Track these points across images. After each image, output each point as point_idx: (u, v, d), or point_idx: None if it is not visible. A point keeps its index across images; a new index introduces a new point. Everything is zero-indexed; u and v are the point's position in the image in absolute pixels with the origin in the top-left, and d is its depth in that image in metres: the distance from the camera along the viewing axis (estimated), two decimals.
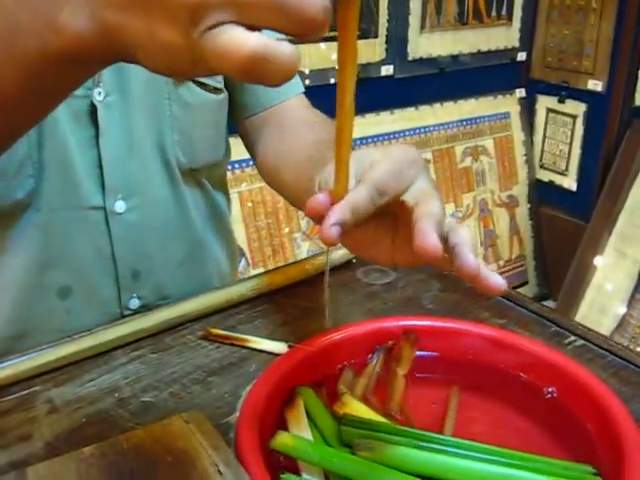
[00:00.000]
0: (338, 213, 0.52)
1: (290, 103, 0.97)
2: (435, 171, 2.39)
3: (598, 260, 2.31)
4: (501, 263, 2.50)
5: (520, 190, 2.61)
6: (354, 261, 0.92)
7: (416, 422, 0.70)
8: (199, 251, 0.97)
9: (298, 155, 0.84)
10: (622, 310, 2.26)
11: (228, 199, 1.06)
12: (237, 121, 1.00)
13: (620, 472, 0.60)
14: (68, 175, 0.80)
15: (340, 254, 0.93)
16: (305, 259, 0.91)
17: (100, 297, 0.88)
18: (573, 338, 0.79)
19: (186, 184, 0.91)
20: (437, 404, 0.73)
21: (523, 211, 2.60)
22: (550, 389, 0.73)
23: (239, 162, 2.08)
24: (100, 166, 0.81)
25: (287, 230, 2.17)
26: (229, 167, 2.07)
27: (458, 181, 2.45)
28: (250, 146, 1.01)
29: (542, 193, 2.66)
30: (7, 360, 0.74)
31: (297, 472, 0.64)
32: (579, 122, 2.48)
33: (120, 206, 0.84)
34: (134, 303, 0.90)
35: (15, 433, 0.66)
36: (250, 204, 2.10)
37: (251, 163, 2.10)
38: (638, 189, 2.38)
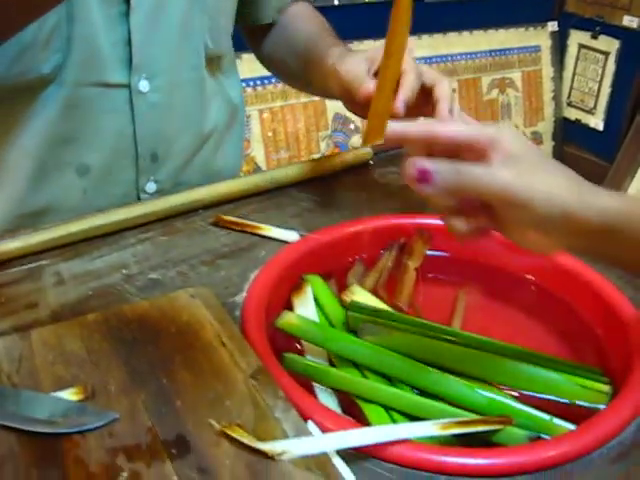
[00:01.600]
0: (403, 93, 0.72)
1: (296, 7, 1.01)
2: (460, 101, 2.35)
3: None
4: None
5: (545, 127, 2.56)
6: (372, 162, 0.91)
7: (424, 317, 0.69)
8: (215, 143, 0.97)
9: (303, 44, 0.93)
10: None
11: (242, 103, 1.05)
12: (244, 24, 1.02)
13: (627, 375, 0.60)
14: (95, 51, 0.78)
15: (356, 153, 0.91)
16: (321, 157, 0.89)
17: (118, 178, 0.87)
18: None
19: (208, 71, 0.90)
20: (446, 303, 0.73)
21: (547, 149, 2.55)
22: (560, 293, 0.72)
23: (261, 79, 2.05)
24: (128, 43, 0.80)
25: (306, 151, 2.15)
26: (250, 84, 2.04)
27: (482, 113, 2.40)
28: (254, 43, 1.05)
29: (567, 131, 2.61)
30: (18, 234, 0.73)
31: (301, 354, 0.64)
32: (611, 59, 2.41)
33: (144, 85, 0.83)
34: (151, 187, 0.89)
35: (22, 301, 0.66)
36: (270, 123, 2.08)
37: (273, 81, 2.07)
38: None
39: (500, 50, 2.43)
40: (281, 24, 1.01)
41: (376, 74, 0.74)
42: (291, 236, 0.75)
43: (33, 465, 0.47)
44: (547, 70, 2.53)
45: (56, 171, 0.83)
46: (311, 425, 0.51)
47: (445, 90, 0.76)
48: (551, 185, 0.49)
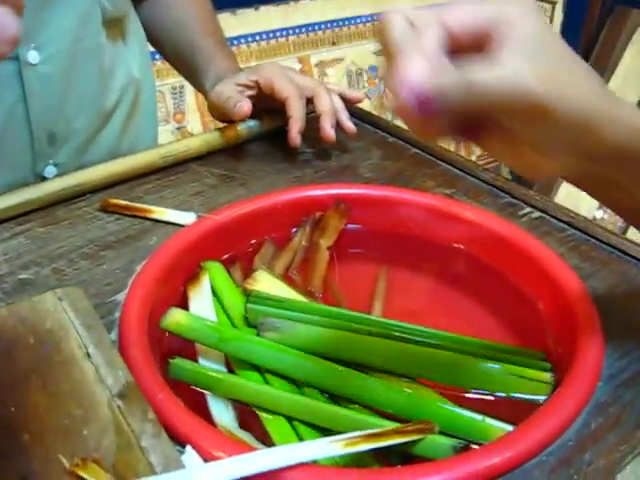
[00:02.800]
0: (294, 126, 0.75)
1: None
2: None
3: None
4: (474, 158, 2.39)
5: None
6: (286, 128, 0.81)
7: (343, 303, 0.60)
8: (121, 122, 0.86)
9: (181, 38, 0.91)
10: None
11: (149, 77, 0.94)
12: None
13: (571, 355, 0.51)
14: None
15: (268, 122, 0.81)
16: (228, 126, 0.79)
17: (12, 163, 0.76)
18: (529, 210, 0.68)
19: (107, 38, 0.80)
20: (368, 283, 0.63)
21: None
22: (495, 264, 0.63)
23: None
24: None
25: None
26: None
27: None
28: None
29: None
30: None
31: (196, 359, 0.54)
32: (558, 9, 2.32)
33: (34, 56, 0.72)
34: (50, 171, 0.79)
35: None
36: None
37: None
38: (617, 80, 2.26)
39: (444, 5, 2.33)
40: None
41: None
42: (187, 218, 0.65)
43: None
44: None
45: None
46: (189, 453, 0.42)
47: (325, 103, 0.77)
48: (578, 88, 0.37)
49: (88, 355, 0.48)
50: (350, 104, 0.82)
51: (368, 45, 2.19)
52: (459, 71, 0.36)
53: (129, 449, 0.42)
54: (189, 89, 1.96)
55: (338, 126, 0.77)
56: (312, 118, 0.77)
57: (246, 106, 0.74)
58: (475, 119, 0.39)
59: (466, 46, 0.38)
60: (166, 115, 1.94)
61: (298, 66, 2.09)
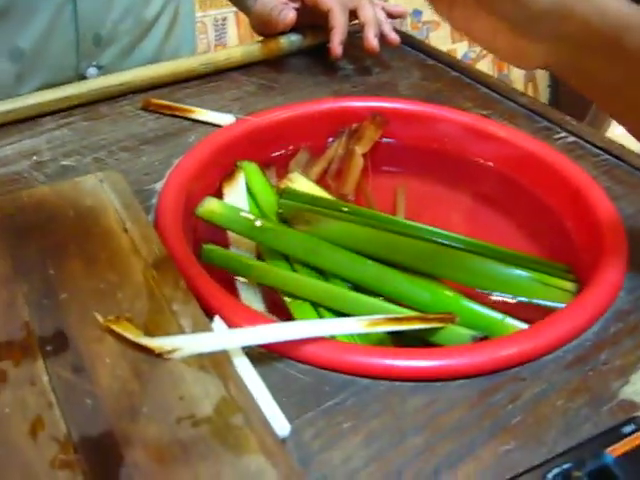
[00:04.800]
0: (337, 36, 0.75)
1: None
2: None
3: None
4: None
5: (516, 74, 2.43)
6: (328, 44, 0.81)
7: (375, 208, 0.61)
8: (161, 34, 0.87)
9: None
10: None
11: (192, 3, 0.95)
12: None
13: (596, 268, 0.52)
14: None
15: (311, 37, 0.81)
16: (269, 38, 0.79)
17: (56, 63, 0.77)
18: (564, 134, 0.68)
19: None
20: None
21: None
22: (526, 182, 0.64)
23: None
24: None
25: None
26: None
27: None
28: None
29: None
30: None
31: (227, 248, 0.56)
32: None
33: None
34: (92, 72, 0.80)
35: None
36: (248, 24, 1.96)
37: None
38: None
39: None
40: None
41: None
42: (226, 119, 0.67)
43: None
44: None
45: None
46: (217, 322, 0.44)
47: (368, 14, 0.77)
48: None
49: (125, 230, 0.50)
50: (393, 18, 0.82)
51: None
52: None
53: (160, 312, 0.43)
54: (231, 21, 1.96)
55: (381, 38, 0.77)
56: (353, 34, 0.77)
57: (291, 13, 0.75)
58: None
59: None
60: (207, 46, 1.94)
61: None
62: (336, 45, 0.74)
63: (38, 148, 0.64)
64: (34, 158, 0.63)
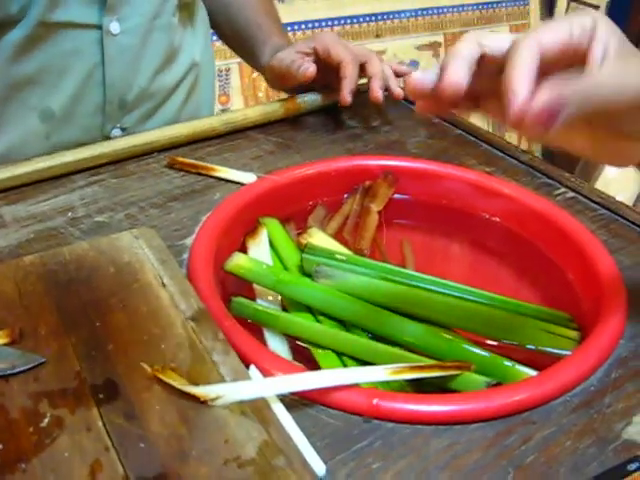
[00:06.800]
0: (348, 85, 0.80)
1: None
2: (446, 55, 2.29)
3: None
4: None
5: None
6: (340, 105, 0.86)
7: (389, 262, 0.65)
8: (182, 97, 0.92)
9: (241, 16, 0.96)
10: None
11: (209, 62, 1.00)
12: None
13: (596, 319, 0.56)
14: None
15: (325, 96, 0.86)
16: (286, 98, 0.84)
17: (84, 123, 0.83)
18: (563, 190, 0.73)
19: (179, 19, 0.86)
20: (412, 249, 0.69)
21: None
22: (529, 236, 0.68)
23: None
24: None
25: None
26: None
27: None
28: None
29: None
30: None
31: (253, 299, 0.60)
32: (601, 12, 2.35)
33: (115, 27, 0.78)
34: (116, 133, 0.85)
35: None
36: (252, 75, 2.02)
37: None
38: None
39: (488, 3, 2.36)
40: None
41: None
42: (248, 178, 0.71)
43: None
44: (536, 24, 2.46)
45: (18, 115, 0.79)
46: (253, 370, 0.48)
47: (376, 67, 0.82)
48: None
49: (163, 284, 0.54)
50: (399, 77, 0.87)
51: (410, 39, 2.24)
52: (575, 81, 0.40)
53: (202, 362, 0.47)
54: (234, 72, 2.02)
55: (388, 94, 0.82)
56: (364, 94, 0.82)
57: (311, 67, 0.79)
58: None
59: (554, 62, 0.42)
60: None
61: None
62: (346, 94, 0.79)
63: (72, 204, 0.68)
64: (69, 214, 0.67)
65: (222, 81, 2.01)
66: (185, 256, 0.61)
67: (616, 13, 2.29)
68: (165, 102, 0.90)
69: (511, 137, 2.26)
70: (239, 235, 0.66)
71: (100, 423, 0.43)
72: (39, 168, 0.71)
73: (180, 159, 0.74)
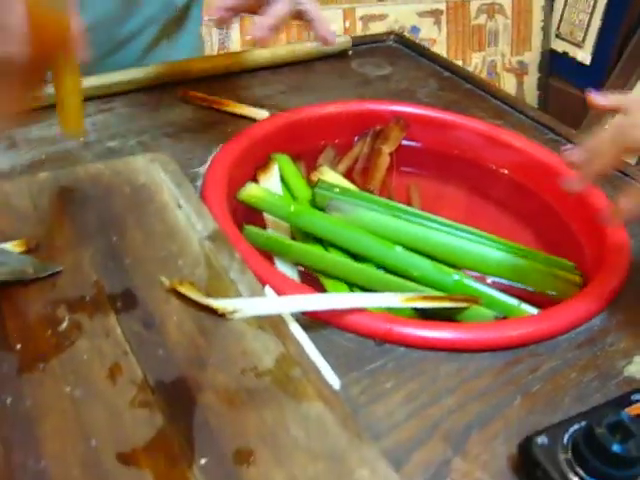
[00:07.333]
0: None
1: None
2: (447, 24, 2.28)
3: None
4: None
5: (532, 58, 2.51)
6: (350, 52, 0.86)
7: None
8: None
9: None
10: None
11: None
12: None
13: (600, 266, 0.57)
14: None
15: (337, 42, 0.86)
16: (296, 43, 0.84)
17: None
18: (570, 146, 0.74)
19: None
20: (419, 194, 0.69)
21: (532, 80, 2.50)
22: (535, 188, 0.69)
23: None
24: None
25: None
26: None
27: (469, 38, 2.34)
28: None
29: (554, 64, 2.55)
30: None
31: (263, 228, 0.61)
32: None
33: None
34: None
35: None
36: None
37: None
38: None
39: None
40: None
41: None
42: (261, 114, 0.71)
43: None
44: None
45: None
46: (268, 290, 0.49)
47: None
48: None
49: (179, 206, 0.55)
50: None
51: (413, 5, 2.23)
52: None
53: (219, 279, 0.48)
54: (235, 26, 2.00)
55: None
56: (374, 43, 0.83)
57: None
58: None
59: None
60: (210, 49, 1.98)
61: (342, 18, 2.13)
62: (329, 33, 0.68)
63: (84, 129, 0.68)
64: (81, 139, 0.67)
65: (222, 34, 2.00)
66: (198, 183, 0.61)
67: None
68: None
69: None
70: (250, 169, 0.66)
71: (119, 330, 0.44)
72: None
73: (193, 93, 0.74)
